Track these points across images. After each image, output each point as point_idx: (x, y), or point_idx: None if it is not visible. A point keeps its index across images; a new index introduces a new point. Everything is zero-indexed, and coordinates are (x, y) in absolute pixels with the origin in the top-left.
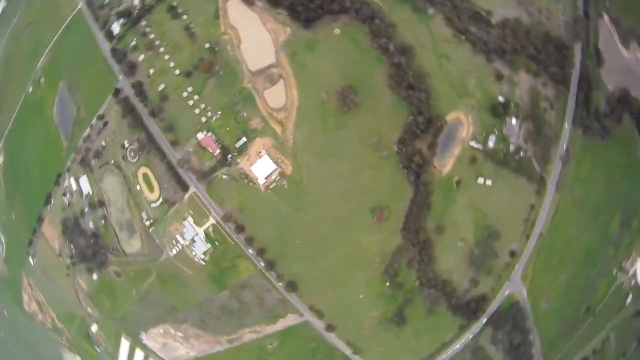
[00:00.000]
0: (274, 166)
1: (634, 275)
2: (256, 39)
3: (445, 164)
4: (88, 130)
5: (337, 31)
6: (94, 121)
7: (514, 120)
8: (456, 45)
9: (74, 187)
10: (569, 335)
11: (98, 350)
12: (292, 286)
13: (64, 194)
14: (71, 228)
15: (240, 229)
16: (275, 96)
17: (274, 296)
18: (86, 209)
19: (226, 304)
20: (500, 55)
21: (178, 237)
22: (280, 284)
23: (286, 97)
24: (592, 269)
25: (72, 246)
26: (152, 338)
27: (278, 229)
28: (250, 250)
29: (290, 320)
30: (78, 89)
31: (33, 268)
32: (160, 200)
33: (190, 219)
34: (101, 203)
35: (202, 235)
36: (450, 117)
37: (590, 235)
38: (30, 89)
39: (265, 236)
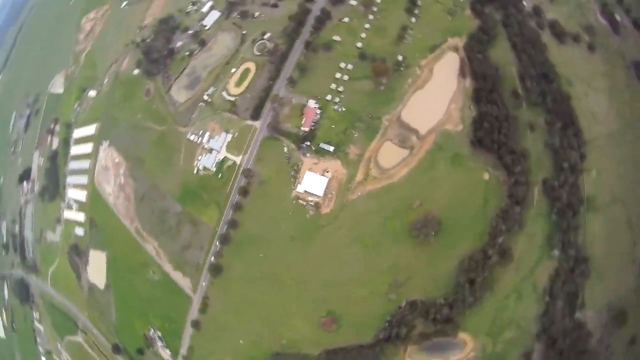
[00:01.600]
0: (321, 194)
1: None
2: (432, 101)
3: (412, 359)
4: None
5: (486, 176)
6: None
7: None
8: (535, 299)
9: (205, 9)
10: None
11: (75, 107)
12: (216, 270)
13: (194, 3)
14: (167, 27)
15: (244, 192)
16: (390, 155)
17: (197, 257)
18: (189, 32)
19: (168, 213)
20: (547, 344)
21: (207, 135)
22: (212, 258)
23: (394, 166)
24: None
25: (152, 36)
26: (107, 155)
27: (263, 229)
28: (227, 213)
29: (183, 282)
30: None
31: (119, 9)
32: (232, 99)
33: (229, 137)
34: (202, 43)
35: (220, 157)
36: (461, 336)
37: None
38: None
39: (249, 220)
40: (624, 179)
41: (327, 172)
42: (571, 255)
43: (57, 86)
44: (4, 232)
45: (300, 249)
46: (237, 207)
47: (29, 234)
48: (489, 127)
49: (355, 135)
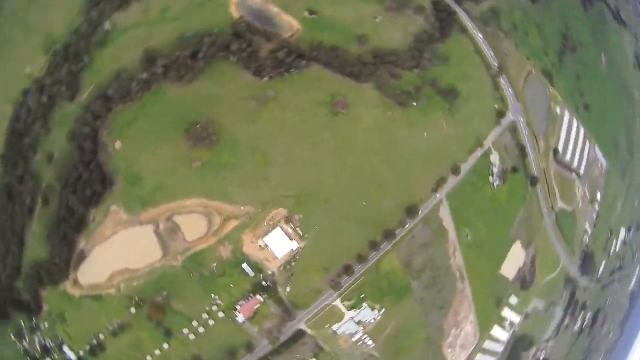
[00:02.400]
0: (283, 234)
1: None
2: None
3: None
4: None
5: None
6: None
7: None
8: None
9: None
10: None
11: None
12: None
13: None
14: None
15: (347, 270)
16: (194, 229)
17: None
18: None
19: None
20: None
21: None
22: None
23: (203, 220)
24: None
25: None
26: None
27: None
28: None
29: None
30: None
31: None
32: None
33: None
34: None
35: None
36: None
37: None
38: None
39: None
40: None
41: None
42: None
43: None
44: None
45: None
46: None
47: None
48: None
49: (213, 266)
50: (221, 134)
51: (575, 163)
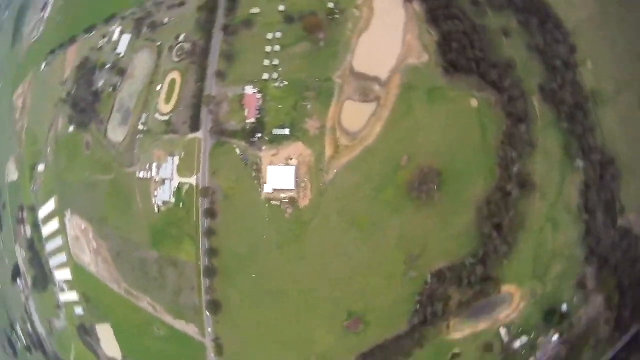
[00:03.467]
0: (292, 186)
1: None
2: (383, 40)
3: (459, 331)
4: None
5: (474, 102)
6: None
7: (555, 337)
8: (572, 221)
9: (115, 37)
10: None
11: (32, 187)
12: (215, 307)
13: (104, 36)
14: (85, 70)
15: (210, 213)
16: (354, 115)
17: (192, 298)
18: (107, 66)
19: (147, 262)
20: (599, 265)
21: (154, 166)
22: (206, 295)
23: (364, 126)
24: None
25: (75, 86)
26: (73, 224)
27: (245, 247)
28: (202, 243)
29: (189, 329)
30: None
31: (40, 73)
32: (166, 117)
33: (176, 159)
34: (121, 72)
35: (174, 184)
36: (505, 289)
37: None
38: None
39: (227, 243)
40: (621, 61)
41: (291, 159)
42: (595, 160)
43: (12, 173)
44: (21, 334)
45: (291, 254)
46: (210, 233)
47: (40, 329)
48: (458, 46)
49: (308, 106)
50: None
51: None
